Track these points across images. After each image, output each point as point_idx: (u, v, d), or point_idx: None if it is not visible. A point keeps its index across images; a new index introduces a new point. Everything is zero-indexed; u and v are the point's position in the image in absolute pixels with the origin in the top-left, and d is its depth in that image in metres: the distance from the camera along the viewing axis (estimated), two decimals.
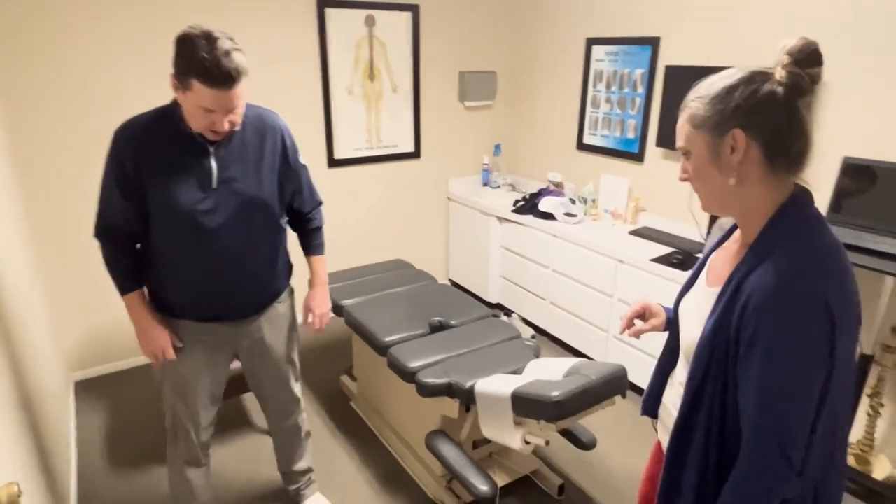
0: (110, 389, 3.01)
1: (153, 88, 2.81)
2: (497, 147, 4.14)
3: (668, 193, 3.15)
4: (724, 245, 1.13)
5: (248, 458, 2.51)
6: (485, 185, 4.10)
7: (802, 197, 0.97)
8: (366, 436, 2.66)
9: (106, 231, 1.62)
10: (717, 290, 1.02)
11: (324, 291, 1.95)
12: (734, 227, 1.13)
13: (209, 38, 1.37)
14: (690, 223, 3.04)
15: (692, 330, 1.08)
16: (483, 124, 4.10)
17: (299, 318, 1.95)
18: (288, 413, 2.02)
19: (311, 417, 2.79)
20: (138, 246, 1.68)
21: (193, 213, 1.55)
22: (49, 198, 2.78)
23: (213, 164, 1.57)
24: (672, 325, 1.25)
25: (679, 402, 1.09)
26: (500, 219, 3.65)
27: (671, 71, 2.93)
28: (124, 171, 1.52)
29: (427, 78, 3.75)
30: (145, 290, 1.69)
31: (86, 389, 3.01)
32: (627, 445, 2.63)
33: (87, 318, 3.02)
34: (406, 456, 2.46)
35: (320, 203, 1.93)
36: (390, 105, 3.66)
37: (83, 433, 2.67)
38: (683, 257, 2.72)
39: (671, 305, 1.28)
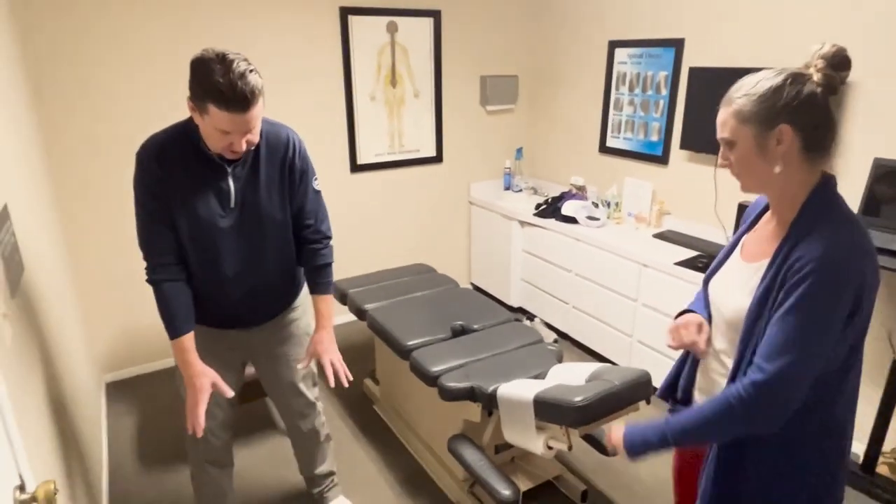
0: (140, 391, 3.08)
1: (180, 96, 2.88)
2: (519, 151, 4.13)
3: (692, 196, 3.11)
4: (756, 228, 1.27)
5: (272, 459, 2.54)
6: (507, 189, 4.10)
7: (830, 181, 1.12)
8: (388, 439, 2.68)
9: (155, 266, 1.59)
10: (757, 264, 1.18)
11: (331, 335, 1.83)
12: (761, 214, 1.28)
13: (224, 61, 1.37)
14: (715, 226, 3.00)
15: (735, 300, 1.21)
16: (505, 128, 4.10)
17: (302, 365, 1.86)
18: (303, 417, 2.04)
19: (333, 420, 2.81)
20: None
21: (212, 231, 1.59)
22: (82, 202, 2.86)
23: (231, 184, 1.60)
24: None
25: (725, 370, 1.25)
26: (522, 223, 3.64)
27: (695, 73, 2.89)
28: (155, 180, 1.55)
29: (449, 83, 3.77)
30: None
31: (117, 390, 3.09)
32: None
33: (117, 321, 3.10)
34: (428, 459, 2.47)
35: (329, 238, 1.83)
36: (412, 110, 3.68)
37: (114, 433, 2.74)
38: (708, 261, 2.68)
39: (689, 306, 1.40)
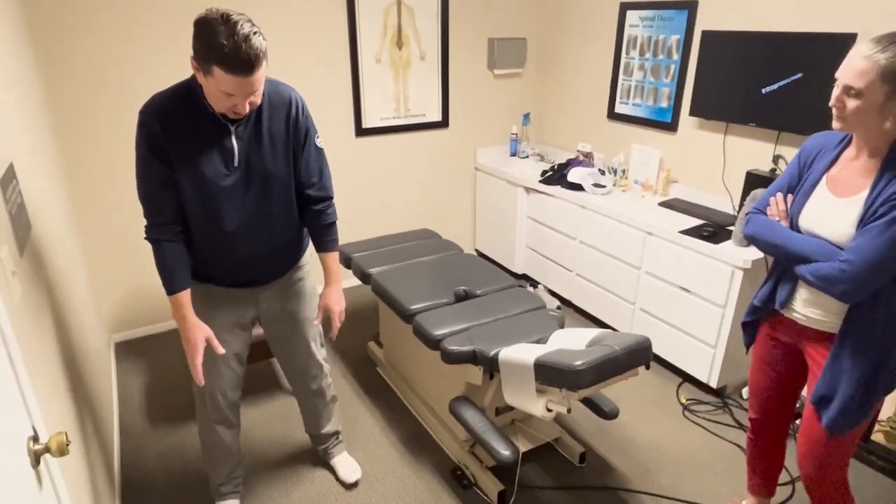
0: (148, 350, 3.14)
1: (183, 54, 2.85)
2: (526, 116, 4.08)
3: (700, 164, 3.08)
4: (840, 165, 1.48)
5: (278, 418, 2.60)
6: (513, 155, 4.06)
7: None
8: (391, 400, 2.73)
9: (154, 223, 1.61)
10: (855, 197, 1.42)
11: (339, 289, 1.90)
12: (838, 154, 1.49)
13: (228, 23, 1.36)
14: (723, 195, 2.97)
15: (837, 227, 1.44)
16: (512, 93, 4.04)
17: (316, 320, 1.94)
18: (311, 378, 2.08)
19: (338, 381, 2.87)
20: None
21: (216, 190, 1.60)
22: (89, 162, 2.86)
23: (235, 142, 1.60)
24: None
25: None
26: (528, 189, 3.62)
27: (708, 37, 2.82)
28: (157, 138, 1.54)
29: (456, 45, 3.70)
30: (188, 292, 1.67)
31: (126, 350, 3.15)
32: (650, 416, 2.64)
33: (125, 282, 3.14)
34: (430, 420, 2.52)
35: (331, 197, 1.84)
36: (418, 73, 3.63)
37: (124, 391, 2.80)
38: (714, 229, 2.67)
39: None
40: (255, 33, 1.39)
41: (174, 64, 2.87)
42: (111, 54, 2.76)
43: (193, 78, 1.55)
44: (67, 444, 1.02)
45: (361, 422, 2.59)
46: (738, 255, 2.44)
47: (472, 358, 2.01)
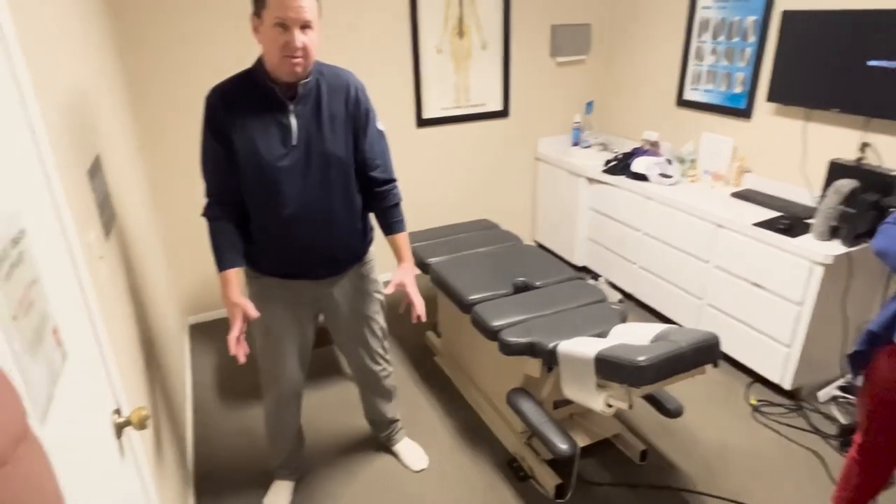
0: (220, 333, 3.30)
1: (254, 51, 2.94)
2: (589, 105, 3.98)
3: (777, 153, 2.91)
4: None
5: (340, 403, 2.68)
6: (575, 144, 3.97)
7: None
8: (449, 389, 2.75)
9: (212, 202, 1.68)
10: None
11: (413, 267, 1.89)
12: None
13: None
14: (802, 185, 2.80)
15: None
16: (575, 81, 3.94)
17: (388, 290, 1.86)
18: (372, 370, 2.10)
19: (396, 370, 2.91)
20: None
21: (274, 169, 1.62)
22: (166, 153, 3.02)
23: (293, 120, 1.62)
24: None
25: None
26: (590, 179, 3.54)
27: (789, 17, 2.65)
28: (218, 122, 1.60)
29: (517, 33, 3.64)
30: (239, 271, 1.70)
31: (199, 332, 3.32)
32: (716, 417, 2.53)
33: (199, 267, 3.30)
34: (487, 411, 2.52)
35: (394, 180, 1.85)
36: (479, 63, 3.60)
37: (197, 370, 2.96)
38: (791, 222, 2.52)
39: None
40: None
41: (250, 57, 2.98)
42: (192, 53, 2.89)
43: (257, 63, 1.61)
44: (147, 419, 1.09)
45: (419, 410, 2.62)
46: (818, 250, 2.29)
47: (531, 350, 1.99)
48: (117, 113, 2.28)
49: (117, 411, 1.09)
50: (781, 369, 2.56)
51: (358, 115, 1.71)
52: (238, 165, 1.63)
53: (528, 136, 3.94)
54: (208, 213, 1.69)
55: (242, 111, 1.60)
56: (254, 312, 1.65)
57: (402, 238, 1.88)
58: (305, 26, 1.50)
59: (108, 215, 1.60)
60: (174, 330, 2.73)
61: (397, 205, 1.87)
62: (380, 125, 1.79)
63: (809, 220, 2.55)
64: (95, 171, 1.54)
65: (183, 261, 3.25)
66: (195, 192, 3.11)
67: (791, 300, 2.44)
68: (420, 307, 1.86)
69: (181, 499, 1.90)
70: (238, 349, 1.60)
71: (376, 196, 1.83)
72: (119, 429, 1.06)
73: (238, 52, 2.97)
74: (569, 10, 3.73)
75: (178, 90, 2.94)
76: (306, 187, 1.67)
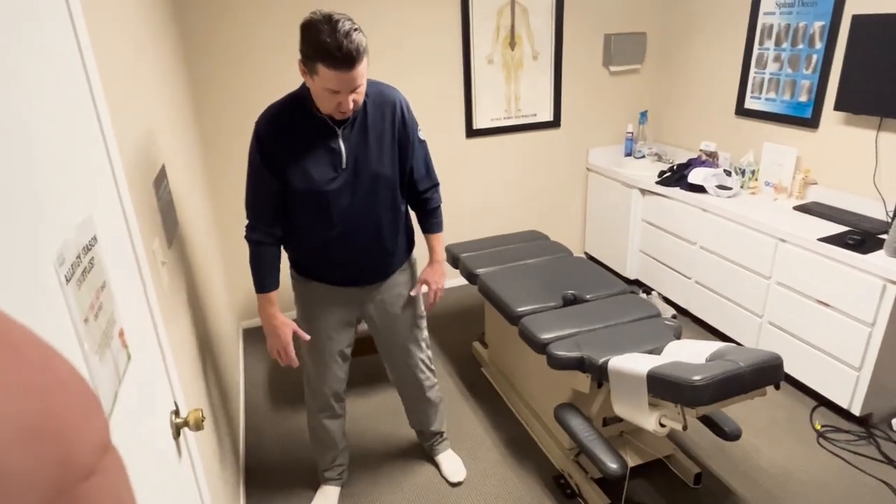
0: None
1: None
2: (643, 114, 3.89)
3: (845, 164, 2.76)
4: None
5: (385, 411, 2.69)
6: (627, 154, 3.89)
7: None
8: (495, 401, 2.73)
9: (255, 227, 1.75)
10: None
11: (441, 268, 1.99)
12: None
13: (330, 22, 1.44)
14: (873, 198, 2.64)
15: None
16: (629, 90, 3.87)
17: (413, 291, 2.00)
18: (415, 378, 2.11)
19: (442, 380, 2.91)
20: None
21: (325, 193, 1.68)
22: (225, 168, 3.14)
23: (342, 145, 1.67)
24: None
25: None
26: (644, 191, 3.45)
27: (860, 21, 2.52)
28: (268, 151, 1.66)
29: (570, 43, 3.61)
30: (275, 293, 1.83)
31: (252, 336, 3.42)
32: (777, 441, 2.40)
33: None
34: (534, 425, 2.48)
35: (437, 184, 1.92)
36: (530, 73, 3.59)
37: (250, 374, 3.05)
38: (862, 237, 2.38)
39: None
40: (355, 30, 1.46)
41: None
42: (252, 64, 3.00)
43: (303, 86, 1.64)
44: (202, 420, 1.12)
45: (465, 421, 2.61)
46: (892, 268, 2.15)
47: (580, 364, 1.95)
48: (182, 122, 2.39)
49: (175, 412, 1.12)
50: (850, 394, 2.40)
51: (404, 134, 1.76)
52: (287, 191, 1.69)
53: (578, 146, 3.89)
54: (251, 236, 1.76)
55: (292, 139, 1.65)
56: (305, 336, 1.84)
57: (438, 239, 1.99)
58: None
59: (170, 223, 1.67)
60: (229, 334, 2.82)
61: (438, 208, 1.96)
62: (421, 135, 1.83)
63: (882, 236, 2.40)
64: (160, 180, 1.61)
65: (238, 268, 3.36)
66: None
67: (861, 320, 2.30)
68: (434, 293, 1.98)
69: (232, 499, 1.95)
70: (289, 359, 1.80)
71: (420, 201, 1.91)
72: (177, 429, 1.10)
73: (297, 74, 3.06)
74: (623, 18, 3.67)
75: (238, 100, 3.05)
76: (354, 206, 1.73)
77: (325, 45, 1.43)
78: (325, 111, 1.60)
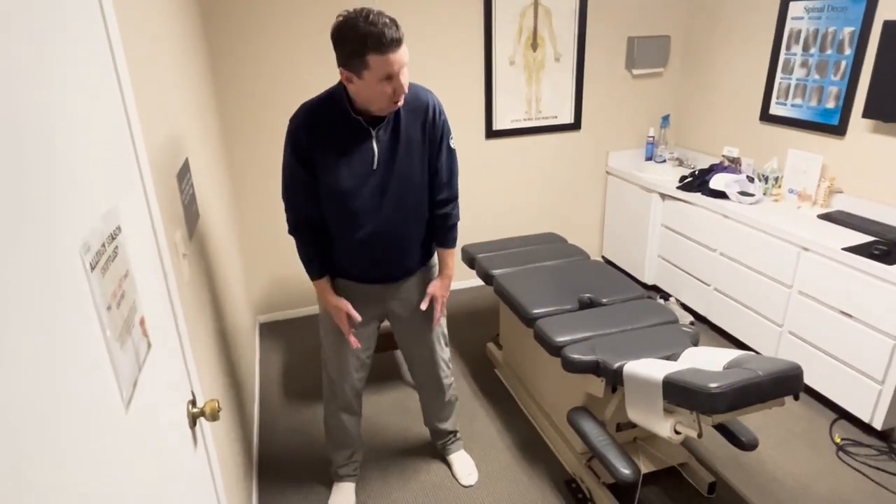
0: (288, 332, 3.42)
1: (333, 66, 3.06)
2: (665, 118, 3.85)
3: (874, 173, 2.70)
4: None
5: (399, 409, 2.70)
6: (648, 159, 3.85)
7: None
8: (507, 403, 2.72)
9: (297, 222, 1.79)
10: None
11: (449, 282, 1.98)
12: None
13: (363, 14, 1.46)
14: None
15: None
16: (651, 93, 3.83)
17: (423, 305, 1.97)
18: (434, 376, 2.12)
19: (456, 380, 2.91)
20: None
21: (356, 192, 1.69)
22: (246, 163, 3.18)
23: (375, 146, 1.68)
24: None
25: None
26: (664, 195, 3.42)
27: (891, 27, 2.46)
28: (302, 148, 1.67)
29: (592, 45, 3.59)
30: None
31: (269, 330, 3.45)
32: (795, 452, 2.36)
33: (272, 268, 3.44)
34: (546, 428, 2.47)
35: (456, 198, 1.89)
36: (552, 75, 3.57)
37: (265, 367, 3.08)
38: (888, 248, 2.33)
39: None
40: (390, 19, 1.48)
41: (326, 74, 3.10)
42: (274, 62, 3.04)
43: (339, 85, 1.65)
44: (218, 411, 1.14)
45: (477, 421, 2.60)
46: None
47: (595, 368, 1.94)
48: (205, 120, 2.43)
49: (192, 402, 1.14)
50: (872, 407, 2.35)
51: (434, 138, 1.76)
52: (319, 191, 1.72)
53: (598, 149, 3.86)
54: (294, 231, 1.80)
55: (326, 137, 1.66)
56: (357, 315, 1.86)
57: (451, 254, 1.95)
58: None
59: (192, 216, 1.69)
60: (246, 327, 2.85)
61: (455, 225, 1.92)
62: (452, 143, 1.82)
63: None
64: (184, 173, 1.64)
65: (257, 262, 3.40)
66: (270, 200, 3.25)
67: (886, 333, 2.25)
68: (438, 316, 2.00)
69: (245, 491, 1.97)
70: (354, 341, 1.88)
71: (439, 216, 1.88)
72: (193, 419, 1.12)
73: (317, 68, 3.09)
74: (647, 21, 3.64)
75: (261, 96, 3.09)
76: (382, 209, 1.74)
77: (371, 32, 1.44)
78: (378, 108, 1.59)
